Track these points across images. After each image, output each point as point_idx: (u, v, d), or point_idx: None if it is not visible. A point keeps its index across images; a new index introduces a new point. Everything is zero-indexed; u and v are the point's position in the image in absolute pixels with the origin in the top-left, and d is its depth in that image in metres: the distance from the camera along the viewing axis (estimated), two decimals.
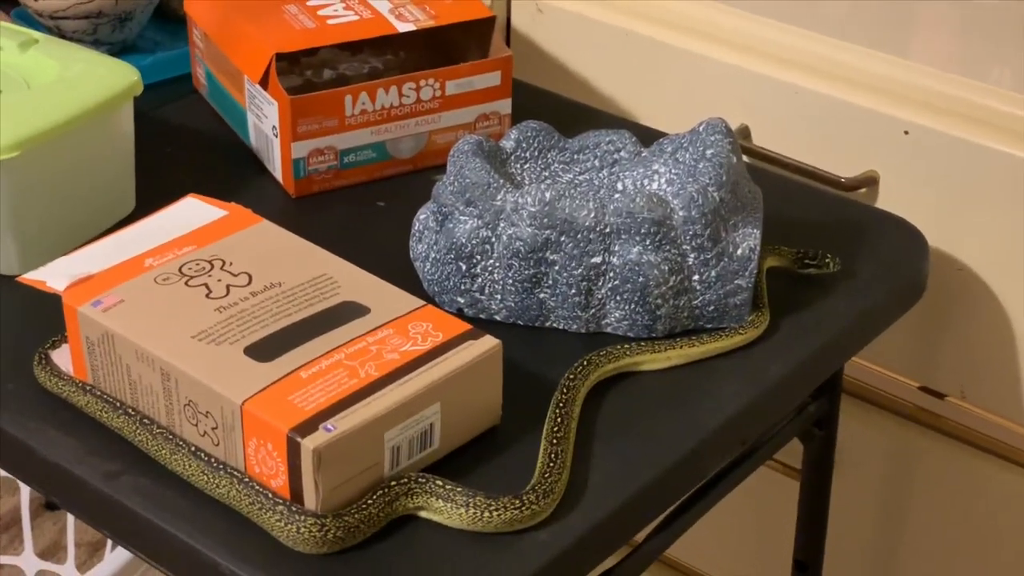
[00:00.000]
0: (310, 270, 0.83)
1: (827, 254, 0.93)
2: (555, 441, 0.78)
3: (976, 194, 1.03)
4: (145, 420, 0.78)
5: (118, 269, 0.83)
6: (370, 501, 0.74)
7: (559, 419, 0.80)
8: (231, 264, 0.83)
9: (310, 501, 0.73)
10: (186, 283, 0.81)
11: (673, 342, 0.87)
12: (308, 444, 0.71)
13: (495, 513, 0.74)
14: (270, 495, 0.74)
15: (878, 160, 1.07)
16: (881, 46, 1.07)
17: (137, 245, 0.85)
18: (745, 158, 1.08)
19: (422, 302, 0.81)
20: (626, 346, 0.86)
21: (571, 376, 0.83)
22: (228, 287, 0.81)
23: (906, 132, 1.04)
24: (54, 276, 0.82)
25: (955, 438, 1.12)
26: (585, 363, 0.84)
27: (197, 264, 0.83)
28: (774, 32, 1.11)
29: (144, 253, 0.84)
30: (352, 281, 0.82)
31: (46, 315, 0.84)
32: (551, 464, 0.77)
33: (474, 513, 0.74)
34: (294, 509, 0.73)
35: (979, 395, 1.09)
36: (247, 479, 0.75)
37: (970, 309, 1.06)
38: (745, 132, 1.13)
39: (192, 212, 0.88)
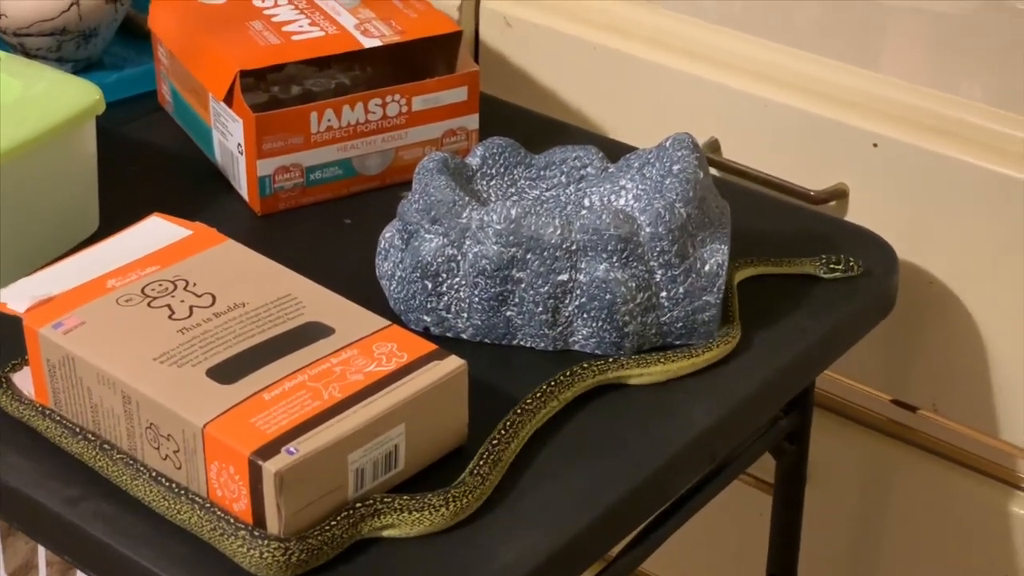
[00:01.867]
0: (274, 290, 0.82)
1: (850, 258, 0.94)
2: (495, 442, 0.78)
3: (946, 207, 1.03)
4: (105, 445, 0.77)
5: (80, 290, 0.82)
6: (334, 523, 0.73)
7: (506, 426, 0.79)
8: (194, 285, 0.82)
9: (272, 525, 0.72)
10: (148, 304, 0.80)
11: (646, 359, 0.86)
12: (270, 467, 0.71)
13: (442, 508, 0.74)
14: (231, 520, 0.73)
15: (847, 173, 1.07)
16: (850, 58, 1.07)
17: (100, 265, 0.84)
18: (714, 171, 1.08)
19: (387, 322, 0.80)
20: (600, 363, 0.85)
21: (538, 393, 0.82)
22: (191, 308, 0.80)
23: (875, 145, 1.04)
24: (15, 297, 0.81)
25: (927, 451, 1.12)
26: (554, 382, 0.83)
27: (160, 285, 0.82)
28: (743, 45, 1.11)
29: (107, 274, 0.83)
30: (317, 301, 0.82)
31: (8, 337, 0.83)
32: (480, 463, 0.77)
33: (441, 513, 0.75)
34: (256, 534, 0.72)
35: (951, 408, 1.09)
36: (208, 504, 0.74)
37: (941, 322, 1.06)
38: (714, 145, 1.12)
39: (156, 231, 0.87)
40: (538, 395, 0.82)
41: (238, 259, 0.85)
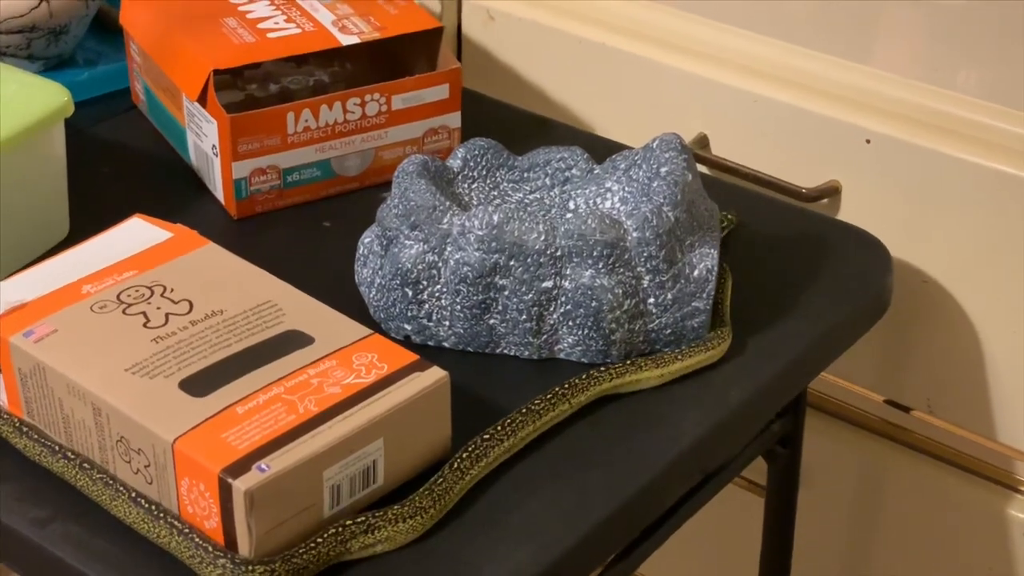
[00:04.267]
0: (254, 297, 0.80)
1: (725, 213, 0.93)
2: (454, 465, 0.76)
3: (940, 204, 1.01)
4: (85, 464, 0.75)
5: (54, 296, 0.80)
6: (319, 540, 0.71)
7: (469, 450, 0.77)
8: (172, 291, 0.80)
9: (243, 544, 0.70)
10: (123, 311, 0.78)
11: (640, 364, 0.84)
12: (240, 485, 0.69)
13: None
14: (211, 548, 0.71)
15: (840, 170, 1.05)
16: (842, 52, 1.05)
17: (77, 269, 0.82)
18: (703, 168, 1.06)
19: (368, 331, 0.78)
20: (593, 374, 0.83)
21: (519, 413, 0.80)
22: (167, 316, 0.78)
23: (868, 141, 1.02)
24: None
25: (922, 452, 1.11)
26: (551, 395, 0.81)
27: (136, 291, 0.80)
28: (732, 39, 1.09)
29: (83, 279, 0.81)
30: (297, 308, 0.79)
31: None
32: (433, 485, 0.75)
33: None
34: (237, 561, 0.70)
35: (946, 408, 1.07)
36: (187, 529, 0.72)
37: (936, 321, 1.04)
38: (703, 141, 1.10)
39: (137, 233, 0.85)
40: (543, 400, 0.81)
41: (218, 263, 0.83)
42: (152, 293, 0.80)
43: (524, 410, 0.79)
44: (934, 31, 1.03)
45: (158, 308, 0.78)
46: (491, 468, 0.78)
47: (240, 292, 0.80)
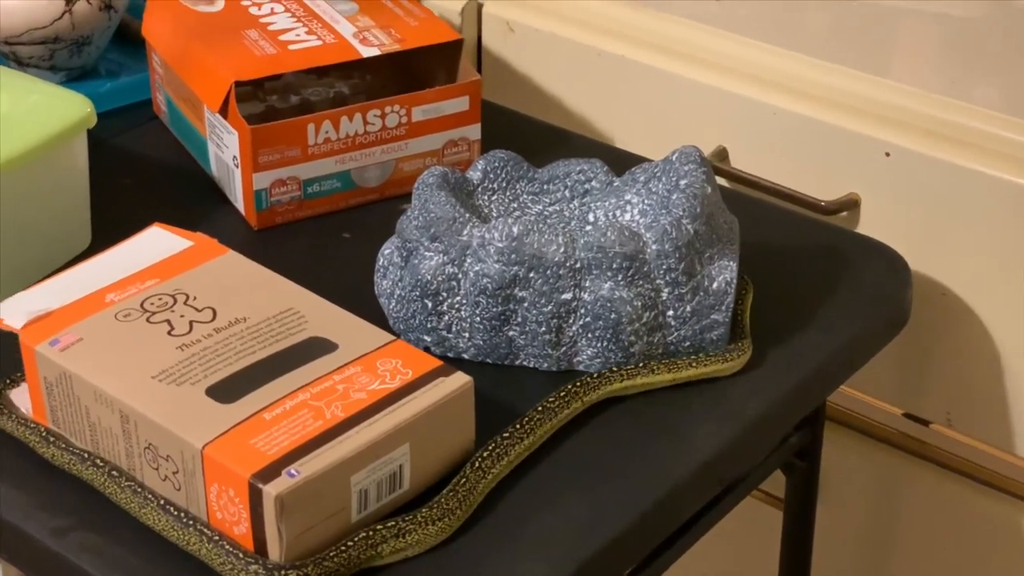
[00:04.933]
0: (277, 304, 0.80)
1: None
2: (475, 464, 0.77)
3: (960, 217, 1.01)
4: (114, 472, 0.76)
5: (78, 305, 0.80)
6: (350, 544, 0.71)
7: (490, 448, 0.78)
8: (195, 298, 0.80)
9: (273, 549, 0.70)
10: (147, 319, 0.79)
11: (653, 367, 0.84)
12: (270, 491, 0.69)
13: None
14: (241, 554, 0.71)
15: (859, 183, 1.05)
16: (862, 66, 1.05)
17: (99, 278, 0.82)
18: (723, 181, 1.06)
19: (392, 337, 0.79)
20: (605, 374, 0.83)
21: (536, 411, 0.80)
22: (191, 323, 0.78)
23: (887, 154, 1.02)
24: (12, 313, 0.79)
25: (941, 466, 1.10)
26: (562, 394, 0.82)
27: (160, 299, 0.80)
28: (752, 52, 1.09)
29: (106, 287, 0.81)
30: (320, 315, 0.80)
31: (8, 350, 0.82)
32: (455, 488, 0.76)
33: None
34: (270, 566, 0.70)
35: (965, 422, 1.07)
36: (217, 537, 0.72)
37: (955, 334, 1.04)
38: (722, 154, 1.10)
39: (157, 242, 0.86)
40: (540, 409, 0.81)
41: (240, 271, 0.84)
42: (175, 301, 0.80)
43: (540, 408, 0.80)
44: (953, 44, 1.02)
45: (182, 316, 0.79)
46: (511, 467, 0.78)
47: (262, 299, 0.81)
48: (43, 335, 0.78)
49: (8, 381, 0.82)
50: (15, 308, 0.80)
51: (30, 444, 0.79)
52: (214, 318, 0.79)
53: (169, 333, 0.78)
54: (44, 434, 0.78)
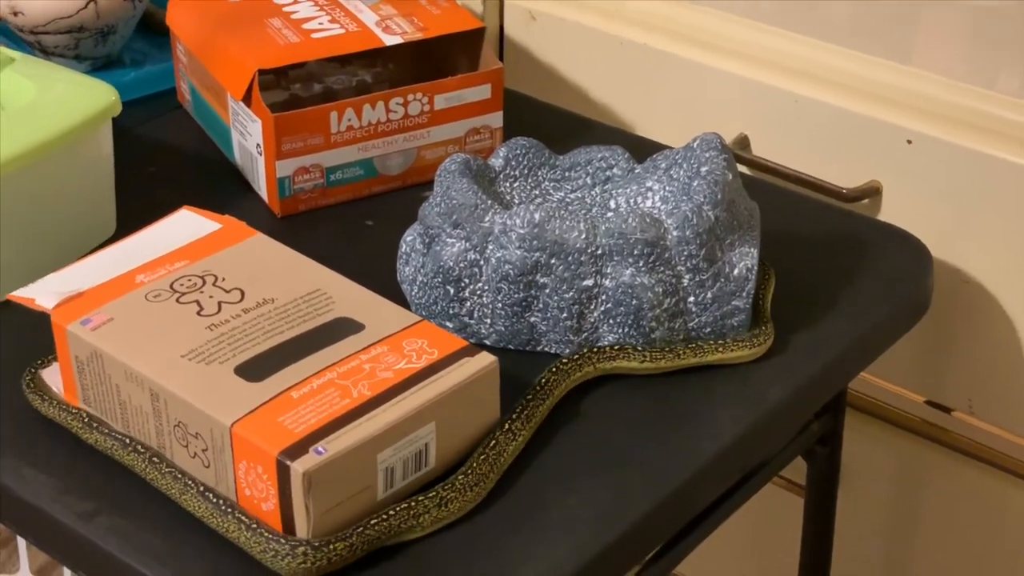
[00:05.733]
0: (304, 285, 0.81)
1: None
2: (505, 427, 0.78)
3: (982, 204, 1.00)
4: (155, 458, 0.76)
5: (109, 286, 0.81)
6: (391, 513, 0.73)
7: (517, 412, 0.79)
8: (223, 280, 0.81)
9: (301, 525, 0.71)
10: (177, 300, 0.80)
11: (679, 352, 0.84)
12: (298, 468, 0.70)
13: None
14: (283, 541, 0.71)
15: (881, 170, 1.04)
16: (884, 52, 1.05)
17: (130, 260, 0.83)
18: (744, 169, 1.06)
19: (417, 318, 0.79)
20: (627, 348, 0.84)
21: (551, 373, 0.82)
22: (220, 304, 0.79)
23: (909, 141, 1.02)
24: (43, 293, 0.80)
25: (962, 453, 1.10)
26: (567, 362, 0.83)
27: (189, 280, 0.81)
28: (774, 39, 1.09)
29: (136, 269, 0.82)
30: (347, 296, 0.81)
31: (25, 344, 0.82)
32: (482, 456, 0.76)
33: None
34: (316, 544, 0.71)
35: (987, 409, 1.07)
36: (254, 524, 0.72)
37: (977, 322, 1.04)
38: (744, 142, 1.10)
39: (186, 225, 0.86)
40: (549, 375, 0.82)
41: (268, 253, 0.84)
42: (204, 282, 0.81)
43: (554, 369, 0.82)
44: (976, 31, 1.02)
45: (211, 297, 0.80)
46: (535, 429, 0.79)
47: (289, 281, 0.81)
48: (74, 315, 0.79)
49: (40, 362, 0.83)
50: (46, 289, 0.81)
51: (73, 430, 0.79)
52: (242, 299, 0.80)
53: (198, 313, 0.79)
54: (87, 420, 0.79)
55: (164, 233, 0.86)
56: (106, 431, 0.78)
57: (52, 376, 0.82)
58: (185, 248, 0.84)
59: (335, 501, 0.71)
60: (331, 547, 0.71)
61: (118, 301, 0.80)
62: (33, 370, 0.82)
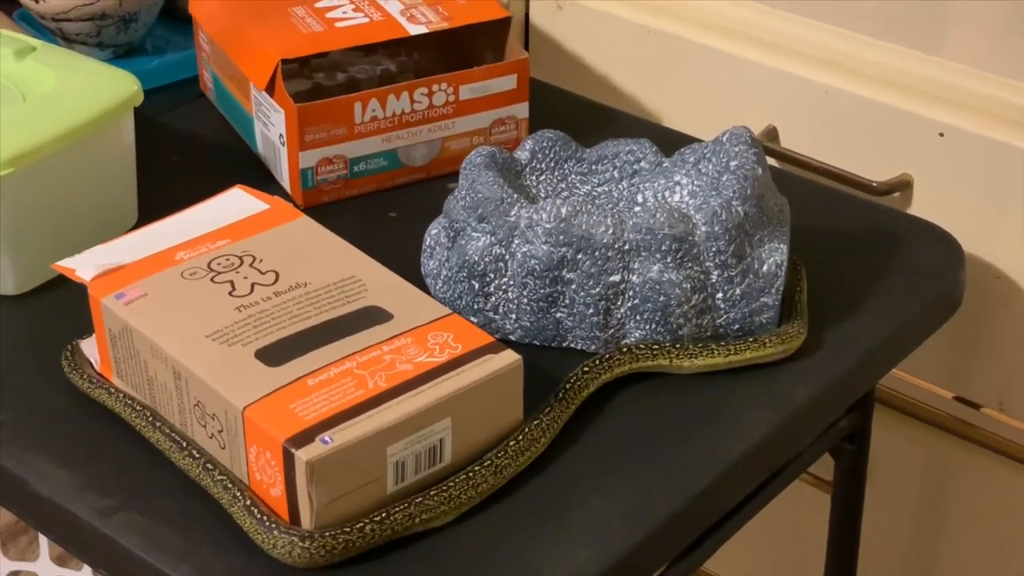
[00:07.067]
0: (340, 271, 0.81)
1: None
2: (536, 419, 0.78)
3: (1015, 199, 0.99)
4: (208, 465, 0.75)
5: (148, 261, 0.81)
6: (451, 484, 0.73)
7: (550, 407, 0.79)
8: (261, 261, 0.81)
9: (305, 514, 0.71)
10: (212, 279, 0.80)
11: (713, 349, 0.83)
12: (302, 456, 0.69)
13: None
14: (279, 530, 0.71)
15: (912, 163, 1.03)
16: (915, 44, 1.03)
17: (174, 236, 0.83)
18: (773, 161, 1.05)
19: (447, 311, 0.79)
20: (665, 345, 0.83)
21: (584, 370, 0.81)
22: (253, 285, 0.79)
23: (941, 134, 1.01)
24: (84, 265, 0.81)
25: (991, 450, 1.09)
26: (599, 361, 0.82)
27: (227, 259, 0.81)
28: (803, 30, 1.08)
29: (178, 245, 0.82)
30: (381, 285, 0.80)
31: (42, 336, 0.82)
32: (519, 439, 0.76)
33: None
34: (309, 535, 0.70)
35: (1017, 406, 1.06)
36: (257, 511, 0.72)
37: (1008, 318, 1.03)
38: (773, 134, 1.09)
39: (235, 204, 0.86)
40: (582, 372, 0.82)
41: (309, 236, 0.84)
42: (241, 262, 0.81)
43: (586, 367, 0.81)
44: (1008, 23, 1.01)
45: (245, 277, 0.80)
46: (584, 399, 0.80)
47: (327, 266, 0.81)
48: (110, 288, 0.79)
49: (83, 338, 0.83)
50: (88, 261, 0.81)
51: (137, 427, 0.79)
52: (276, 281, 0.79)
53: (230, 294, 0.78)
54: (150, 419, 0.78)
55: (213, 211, 0.86)
56: (167, 431, 0.77)
57: (90, 348, 0.82)
58: (229, 227, 0.84)
59: (340, 492, 0.71)
60: (325, 538, 0.70)
61: (154, 277, 0.80)
62: (73, 344, 0.83)
